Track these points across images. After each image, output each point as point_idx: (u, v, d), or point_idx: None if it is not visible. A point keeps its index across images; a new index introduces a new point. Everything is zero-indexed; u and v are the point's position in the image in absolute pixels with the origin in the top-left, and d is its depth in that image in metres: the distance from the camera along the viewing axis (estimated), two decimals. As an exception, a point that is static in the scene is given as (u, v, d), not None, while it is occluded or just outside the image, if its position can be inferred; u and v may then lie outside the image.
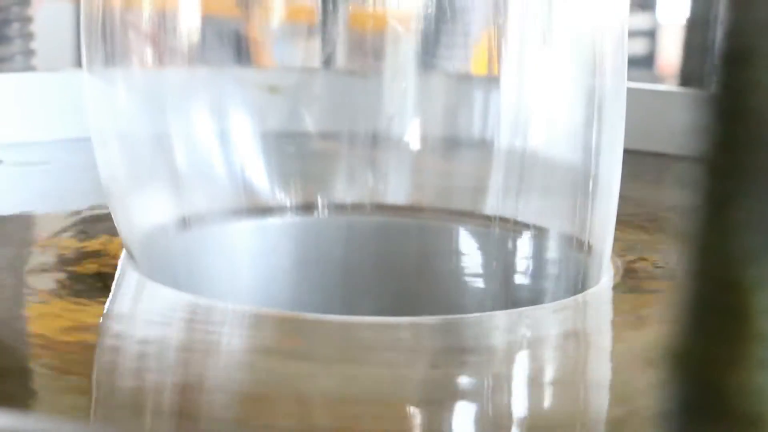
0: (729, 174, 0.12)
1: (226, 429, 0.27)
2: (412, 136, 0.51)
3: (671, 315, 0.13)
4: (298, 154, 0.50)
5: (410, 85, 0.53)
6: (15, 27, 0.70)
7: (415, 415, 0.29)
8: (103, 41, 0.42)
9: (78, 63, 0.77)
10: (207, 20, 0.47)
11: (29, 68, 0.70)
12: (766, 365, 0.12)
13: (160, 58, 0.45)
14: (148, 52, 0.44)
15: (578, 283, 0.40)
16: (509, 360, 0.33)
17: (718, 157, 0.12)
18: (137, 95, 0.44)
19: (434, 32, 0.57)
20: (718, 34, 0.13)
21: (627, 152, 0.41)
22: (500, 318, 0.37)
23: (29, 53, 0.71)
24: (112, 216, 0.41)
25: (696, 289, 0.12)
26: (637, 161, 0.54)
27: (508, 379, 0.32)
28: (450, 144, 0.50)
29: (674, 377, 0.13)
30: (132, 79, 0.44)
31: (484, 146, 0.48)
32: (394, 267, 0.47)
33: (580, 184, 0.42)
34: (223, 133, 0.47)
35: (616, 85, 0.41)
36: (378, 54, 0.55)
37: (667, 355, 0.13)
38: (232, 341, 0.34)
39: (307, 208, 0.48)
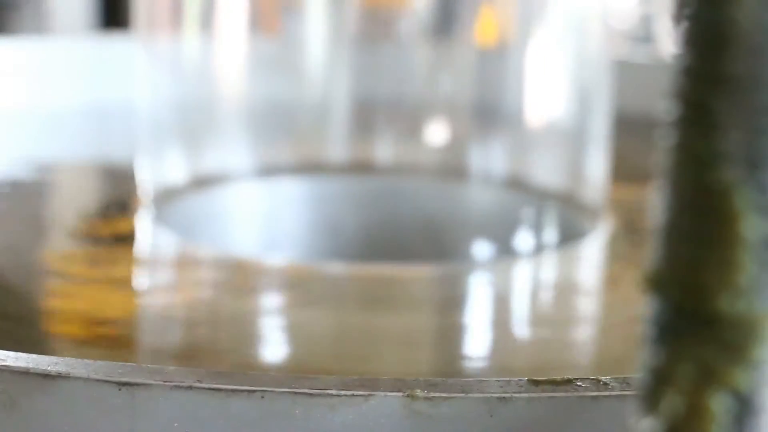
0: (709, 80, 0.13)
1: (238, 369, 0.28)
2: (420, 100, 0.52)
3: (655, 221, 0.14)
4: (320, 118, 0.51)
5: (419, 54, 0.54)
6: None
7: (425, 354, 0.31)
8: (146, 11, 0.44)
9: (90, 27, 0.77)
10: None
11: (41, 31, 0.70)
12: (745, 267, 0.13)
13: (180, 27, 0.47)
14: (171, 21, 0.46)
15: (576, 234, 0.41)
16: (505, 306, 0.34)
17: (700, 64, 0.13)
18: (171, 60, 0.46)
19: (441, 3, 0.58)
20: None
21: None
22: (495, 267, 0.38)
23: (41, 16, 0.71)
24: (139, 171, 0.43)
25: (677, 194, 0.13)
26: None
27: (503, 323, 0.33)
28: (456, 108, 0.51)
29: (660, 283, 0.14)
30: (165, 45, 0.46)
31: (485, 110, 0.49)
32: (399, 225, 0.48)
33: (575, 143, 0.44)
34: (245, 98, 0.49)
35: (605, 57, 0.43)
36: (388, 23, 0.56)
37: (653, 262, 0.14)
38: (245, 288, 0.35)
39: (320, 168, 0.49)
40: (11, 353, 0.21)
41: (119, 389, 0.20)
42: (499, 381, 0.21)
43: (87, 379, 0.20)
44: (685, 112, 0.13)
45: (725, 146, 0.13)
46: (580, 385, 0.20)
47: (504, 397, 0.20)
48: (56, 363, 0.21)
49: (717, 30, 0.13)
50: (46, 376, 0.20)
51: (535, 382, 0.20)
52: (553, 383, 0.20)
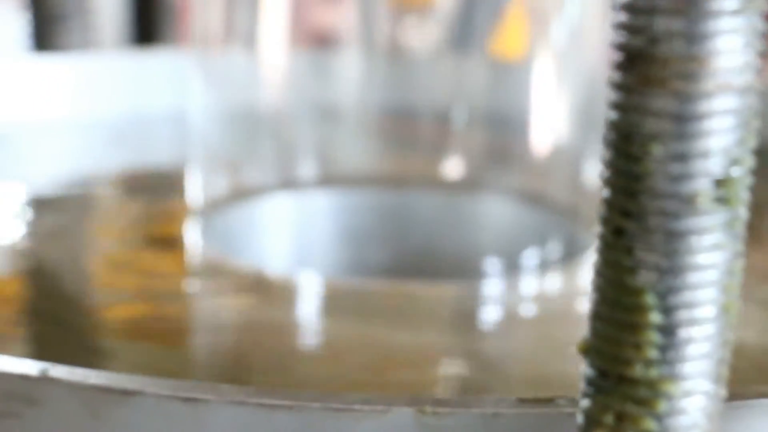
0: (624, 212, 0.18)
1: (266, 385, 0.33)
2: (429, 113, 0.56)
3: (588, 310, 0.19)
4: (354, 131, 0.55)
5: (438, 66, 0.58)
6: (73, 3, 0.74)
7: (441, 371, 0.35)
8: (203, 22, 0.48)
9: (133, 40, 0.81)
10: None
11: (87, 45, 0.74)
12: (652, 346, 0.18)
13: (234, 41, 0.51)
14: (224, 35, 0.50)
15: (574, 250, 0.45)
16: (510, 325, 0.39)
17: (616, 200, 0.18)
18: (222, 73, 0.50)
19: (460, 14, 0.62)
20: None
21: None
22: (505, 285, 0.43)
23: (87, 29, 0.74)
24: (189, 182, 0.47)
25: (603, 289, 0.18)
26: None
27: (507, 342, 0.37)
28: (470, 122, 0.55)
29: (589, 353, 0.19)
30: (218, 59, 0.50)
31: (491, 123, 0.53)
32: (409, 238, 0.51)
33: (573, 158, 0.47)
34: (292, 110, 0.52)
35: (599, 72, 0.47)
36: (409, 34, 0.60)
37: (585, 338, 0.19)
38: (285, 306, 0.40)
39: (351, 181, 0.52)
40: (94, 372, 0.26)
41: (184, 403, 0.25)
42: (493, 399, 0.25)
43: (158, 395, 0.25)
44: (607, 232, 0.18)
45: (638, 259, 0.18)
46: (560, 403, 0.25)
47: (497, 413, 0.25)
48: (131, 380, 0.26)
49: (630, 177, 0.18)
50: (123, 392, 0.25)
51: (523, 401, 0.25)
52: (538, 401, 0.25)
